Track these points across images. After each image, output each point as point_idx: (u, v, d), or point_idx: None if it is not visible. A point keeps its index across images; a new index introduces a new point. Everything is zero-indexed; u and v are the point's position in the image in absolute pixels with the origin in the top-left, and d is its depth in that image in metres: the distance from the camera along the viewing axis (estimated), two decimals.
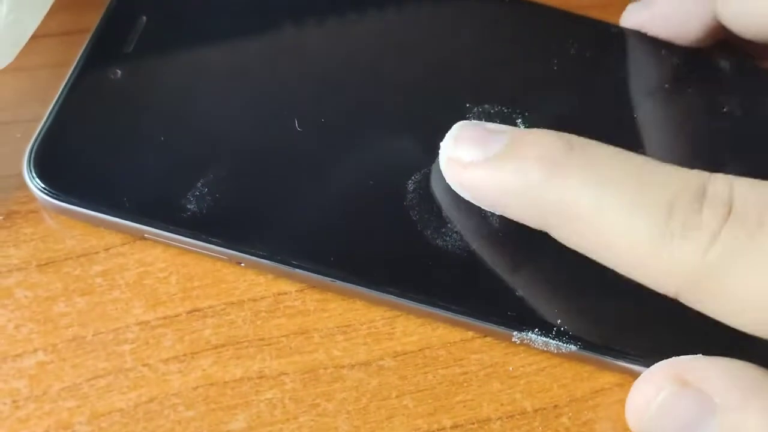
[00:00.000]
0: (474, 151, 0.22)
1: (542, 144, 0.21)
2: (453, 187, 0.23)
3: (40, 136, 0.23)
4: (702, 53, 0.28)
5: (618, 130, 0.26)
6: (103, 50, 0.25)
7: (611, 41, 0.28)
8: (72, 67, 0.24)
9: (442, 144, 0.23)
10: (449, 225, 0.23)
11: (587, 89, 0.26)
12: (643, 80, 0.27)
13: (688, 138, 0.26)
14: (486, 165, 0.22)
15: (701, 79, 0.27)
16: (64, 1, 0.25)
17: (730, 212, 0.19)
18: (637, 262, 0.20)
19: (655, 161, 0.21)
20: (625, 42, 0.28)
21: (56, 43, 0.26)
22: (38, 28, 0.24)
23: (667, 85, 0.27)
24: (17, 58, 0.23)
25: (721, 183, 0.20)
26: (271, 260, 0.23)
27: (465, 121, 0.23)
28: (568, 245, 0.21)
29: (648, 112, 0.26)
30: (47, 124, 0.23)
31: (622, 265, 0.21)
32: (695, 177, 0.20)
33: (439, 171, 0.23)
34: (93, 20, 0.25)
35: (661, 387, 0.20)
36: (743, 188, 0.20)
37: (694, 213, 0.20)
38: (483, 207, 0.23)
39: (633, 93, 0.26)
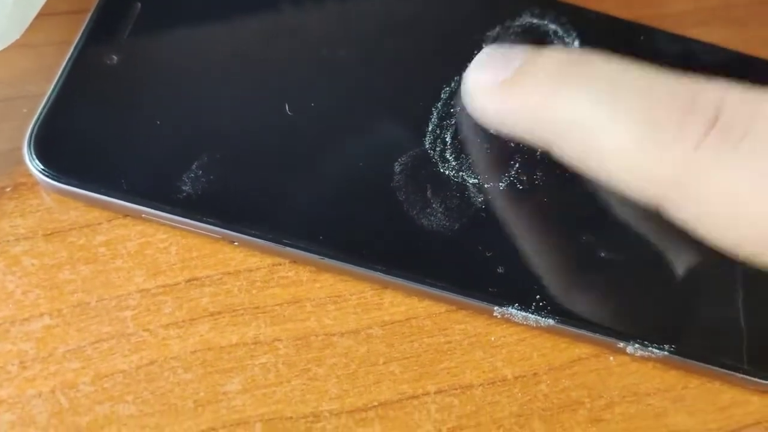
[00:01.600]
0: (490, 74, 0.23)
1: (551, 59, 0.22)
2: (469, 110, 0.24)
3: (39, 120, 0.24)
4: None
5: None
6: (99, 35, 0.25)
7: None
8: (69, 53, 0.25)
9: (467, 69, 0.24)
10: (434, 205, 0.24)
11: None
12: None
13: None
14: (500, 87, 0.23)
15: None
16: None
17: (717, 120, 0.20)
18: (626, 168, 0.21)
19: (655, 72, 0.21)
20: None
21: (61, 21, 0.26)
22: (44, 7, 0.25)
23: None
24: (24, 35, 0.24)
25: (712, 91, 0.20)
26: (263, 239, 0.24)
27: (491, 46, 0.25)
28: (566, 161, 0.22)
29: None
30: (46, 107, 0.24)
31: (612, 172, 0.21)
32: (688, 85, 0.21)
33: (427, 149, 0.24)
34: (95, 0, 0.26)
35: None
36: (733, 97, 0.20)
37: (682, 119, 0.20)
38: (495, 129, 0.24)
39: None
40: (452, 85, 0.26)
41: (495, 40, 0.27)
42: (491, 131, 0.25)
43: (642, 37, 0.28)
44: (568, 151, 0.22)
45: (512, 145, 0.25)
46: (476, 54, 0.25)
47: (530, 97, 0.22)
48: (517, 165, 0.25)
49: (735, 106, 0.20)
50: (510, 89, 0.23)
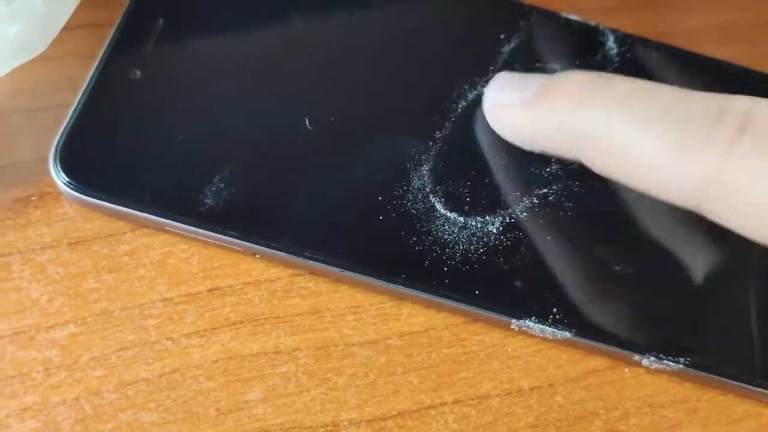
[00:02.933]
0: (511, 95, 0.25)
1: (573, 81, 0.23)
2: (495, 129, 0.25)
3: (64, 133, 0.24)
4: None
5: None
6: (122, 49, 0.26)
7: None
8: (93, 67, 0.25)
9: (485, 91, 0.26)
10: (452, 221, 0.25)
11: None
12: None
13: None
14: (522, 106, 0.24)
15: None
16: None
17: (747, 126, 0.20)
18: (658, 177, 0.21)
19: (678, 89, 0.22)
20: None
21: (85, 35, 0.27)
22: (68, 21, 0.25)
23: None
24: (49, 47, 0.25)
25: (741, 101, 0.21)
26: (283, 252, 0.24)
27: (506, 71, 0.26)
28: (597, 171, 0.23)
29: None
30: (71, 121, 0.24)
31: (645, 180, 0.22)
32: (715, 96, 0.21)
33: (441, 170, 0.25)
34: (117, 13, 0.27)
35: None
36: (761, 106, 0.21)
37: (713, 125, 0.21)
38: (521, 146, 0.25)
39: None
40: (469, 98, 0.27)
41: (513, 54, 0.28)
42: (510, 146, 0.25)
43: (654, 54, 0.28)
44: (600, 161, 0.23)
45: (528, 161, 0.25)
46: (491, 77, 0.26)
47: (561, 110, 0.23)
48: (534, 181, 0.26)
49: (764, 114, 0.21)
50: (539, 104, 0.24)
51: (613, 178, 0.23)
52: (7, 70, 0.24)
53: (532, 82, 0.24)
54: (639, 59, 0.28)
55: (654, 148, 0.21)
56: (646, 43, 0.28)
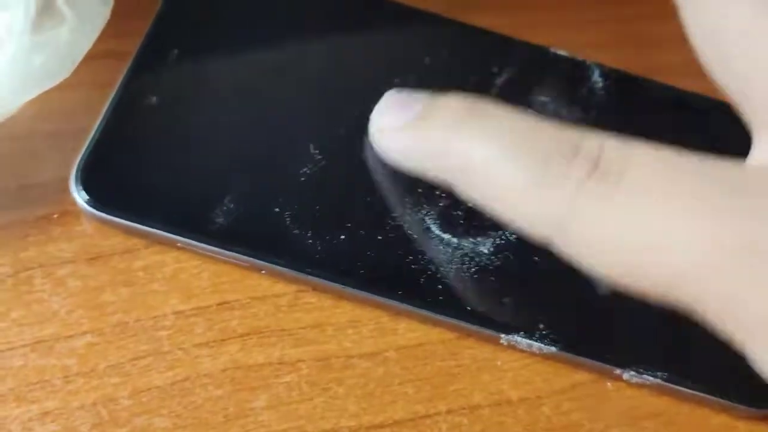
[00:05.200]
0: (393, 118, 0.25)
1: (448, 107, 0.24)
2: (377, 150, 0.26)
3: (85, 155, 0.26)
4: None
5: None
6: (140, 77, 0.28)
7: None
8: (112, 93, 0.27)
9: (372, 112, 0.26)
10: (446, 242, 0.26)
11: None
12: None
13: None
14: (401, 130, 0.25)
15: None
16: (110, 25, 0.29)
17: (597, 166, 0.21)
18: (516, 209, 0.22)
19: (544, 120, 0.23)
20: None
21: (105, 63, 0.28)
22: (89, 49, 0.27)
23: None
24: (71, 74, 0.26)
25: (593, 140, 0.22)
26: (288, 269, 0.26)
27: (392, 90, 0.26)
28: (466, 199, 0.23)
29: None
30: (91, 144, 0.26)
31: (505, 212, 0.22)
32: (572, 134, 0.22)
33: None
34: (134, 43, 0.28)
35: None
36: (611, 145, 0.22)
37: (567, 164, 0.21)
38: (400, 168, 0.25)
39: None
40: None
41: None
42: None
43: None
44: (466, 190, 0.23)
45: None
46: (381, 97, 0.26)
47: (429, 140, 0.24)
48: None
49: (612, 153, 0.21)
50: (411, 132, 0.24)
51: (480, 207, 0.23)
52: (33, 96, 0.25)
53: (414, 104, 0.25)
54: (623, 94, 0.30)
55: (515, 179, 0.22)
56: (631, 78, 0.30)
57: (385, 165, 0.26)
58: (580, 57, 0.30)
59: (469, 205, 0.27)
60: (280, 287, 0.26)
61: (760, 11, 0.22)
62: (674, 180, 0.21)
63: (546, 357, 0.26)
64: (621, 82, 0.30)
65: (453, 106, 0.24)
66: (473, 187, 0.23)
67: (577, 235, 0.21)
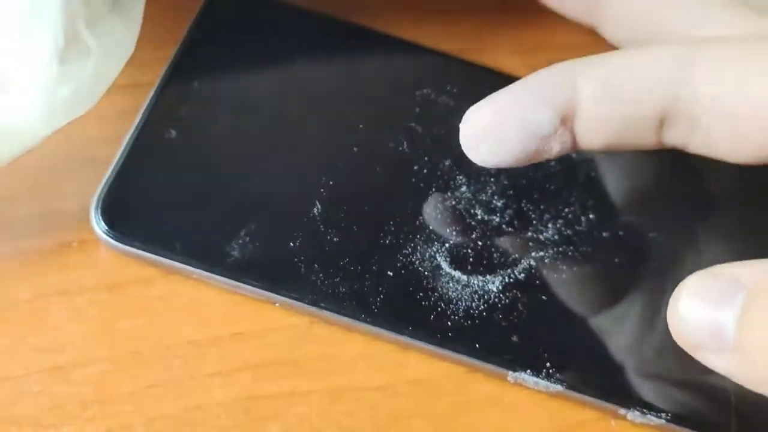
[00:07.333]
0: (705, 313, 0.20)
1: None
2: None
3: (105, 188, 0.27)
4: None
5: None
6: (160, 110, 0.28)
7: None
8: (132, 126, 0.28)
9: (676, 296, 0.21)
10: (456, 279, 0.27)
11: None
12: None
13: None
14: (725, 349, 0.20)
15: None
16: (132, 54, 0.29)
17: None
18: None
19: None
20: None
21: (126, 93, 0.29)
22: None
23: None
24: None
25: None
26: (301, 302, 0.26)
27: (697, 273, 0.21)
28: None
29: None
30: (111, 176, 0.27)
31: None
32: None
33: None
34: (156, 73, 0.29)
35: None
36: None
37: None
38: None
39: None
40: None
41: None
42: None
43: None
44: None
45: (525, 226, 0.28)
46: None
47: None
48: (532, 244, 0.28)
49: None
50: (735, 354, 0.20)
51: None
52: (58, 127, 0.26)
53: (731, 292, 0.19)
54: None
55: None
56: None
57: (397, 202, 0.27)
58: None
59: (479, 243, 0.28)
60: (293, 319, 0.27)
61: None
62: None
63: (552, 395, 0.26)
64: None
65: None
66: None
67: None
